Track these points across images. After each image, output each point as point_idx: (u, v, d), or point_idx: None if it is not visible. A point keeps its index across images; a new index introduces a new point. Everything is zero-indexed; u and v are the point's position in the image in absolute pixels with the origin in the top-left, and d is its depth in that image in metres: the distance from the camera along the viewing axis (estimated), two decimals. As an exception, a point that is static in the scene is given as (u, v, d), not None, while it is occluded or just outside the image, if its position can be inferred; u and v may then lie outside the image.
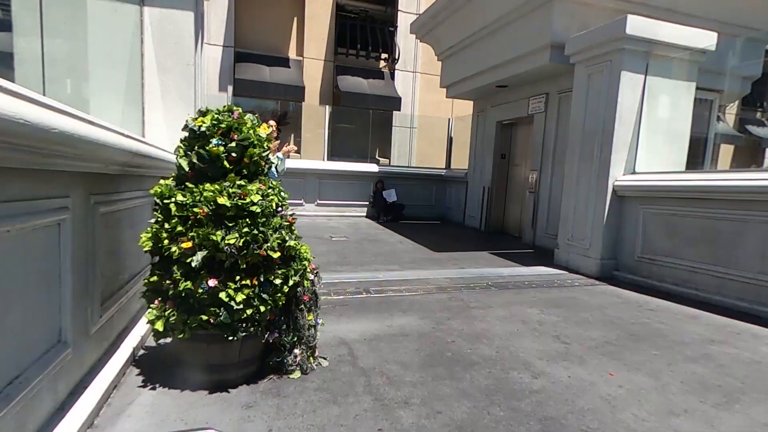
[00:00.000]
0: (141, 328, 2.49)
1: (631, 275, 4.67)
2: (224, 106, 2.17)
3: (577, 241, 5.17)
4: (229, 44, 11.19)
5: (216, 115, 2.10)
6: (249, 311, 1.90)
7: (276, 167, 4.50)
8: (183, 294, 1.86)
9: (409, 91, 12.68)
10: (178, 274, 1.87)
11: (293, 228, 2.19)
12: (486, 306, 3.57)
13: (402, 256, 5.75)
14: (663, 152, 4.91)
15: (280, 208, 2.13)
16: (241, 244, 1.89)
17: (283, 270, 2.03)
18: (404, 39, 12.16)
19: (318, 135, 10.53)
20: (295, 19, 11.96)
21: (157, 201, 1.98)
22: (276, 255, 1.97)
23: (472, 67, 7.59)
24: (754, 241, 3.65)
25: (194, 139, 2.08)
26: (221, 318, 1.85)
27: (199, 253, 1.86)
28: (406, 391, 2.05)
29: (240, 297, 1.87)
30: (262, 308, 1.93)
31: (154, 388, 1.95)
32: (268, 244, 1.95)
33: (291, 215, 2.21)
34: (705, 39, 4.72)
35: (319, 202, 9.50)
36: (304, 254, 2.19)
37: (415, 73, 12.77)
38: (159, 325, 1.88)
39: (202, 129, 2.06)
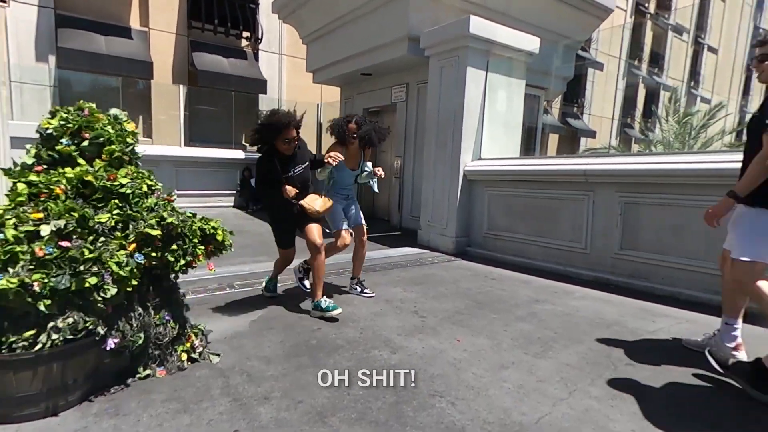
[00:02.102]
0: None
1: (481, 250, 5.29)
2: (76, 105, 2.16)
3: (436, 222, 5.64)
4: (48, 4, 9.26)
5: (64, 115, 2.07)
6: (93, 280, 1.73)
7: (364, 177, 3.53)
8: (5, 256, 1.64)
9: (275, 73, 12.18)
10: (11, 236, 1.67)
11: (174, 206, 2.16)
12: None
13: (272, 246, 5.45)
14: (502, 140, 5.61)
15: (152, 191, 2.14)
16: (113, 223, 1.87)
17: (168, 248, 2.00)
18: (267, 18, 11.57)
19: (173, 117, 9.48)
20: (137, -18, 10.44)
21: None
22: (155, 233, 1.92)
23: (337, 53, 7.59)
24: (567, 215, 4.44)
25: (42, 141, 2.05)
26: (51, 281, 1.63)
27: (53, 222, 1.74)
28: (267, 386, 2.00)
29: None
30: (111, 291, 1.77)
31: (-63, 436, 1.56)
32: (145, 223, 1.93)
33: (170, 194, 2.24)
34: (531, 43, 5.49)
35: (176, 192, 8.56)
36: (198, 225, 2.16)
37: (281, 55, 12.31)
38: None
39: (49, 131, 2.02)
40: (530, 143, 7.42)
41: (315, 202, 3.04)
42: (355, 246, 3.54)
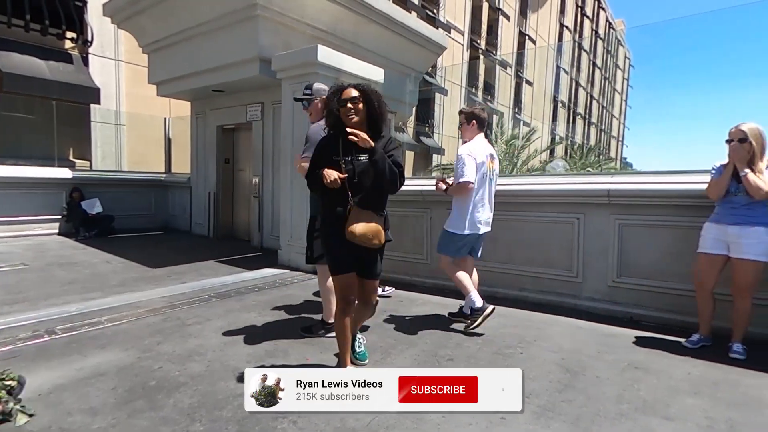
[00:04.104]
0: None
1: (339, 265, 5.52)
2: None
3: (295, 241, 5.70)
4: None
5: None
6: None
7: None
8: None
9: (111, 81, 10.83)
10: None
11: None
12: (204, 320, 3.53)
13: (108, 278, 4.96)
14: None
15: None
16: None
17: None
18: (100, 19, 10.25)
19: (-33, 128, 7.72)
20: None
21: None
22: None
23: (184, 66, 7.16)
24: (409, 230, 4.95)
25: None
26: None
27: None
28: (91, 441, 1.84)
29: None
30: None
31: None
32: None
33: None
34: (376, 73, 6.00)
35: (-26, 220, 6.98)
36: None
37: (118, 62, 11.02)
38: None
39: None
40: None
41: (358, 224, 2.18)
42: None
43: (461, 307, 3.57)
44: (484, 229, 3.39)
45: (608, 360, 2.77)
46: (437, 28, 15.17)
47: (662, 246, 3.51)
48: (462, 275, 3.38)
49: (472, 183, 3.23)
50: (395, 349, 2.89)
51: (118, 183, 8.98)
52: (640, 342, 3.13)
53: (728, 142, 2.86)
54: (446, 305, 4.00)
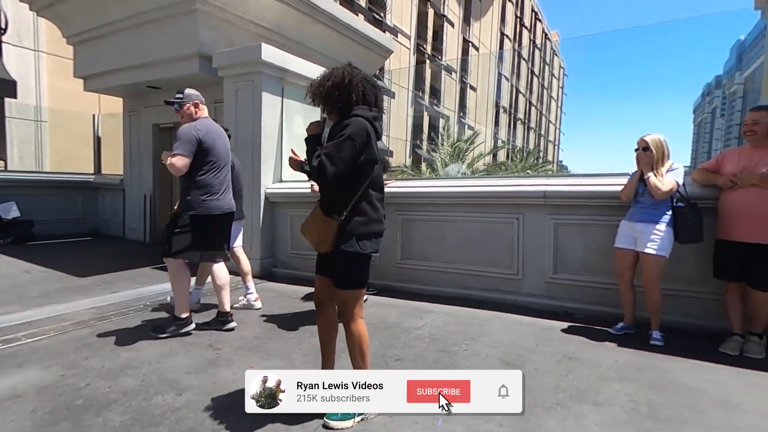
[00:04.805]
0: None
1: (286, 269, 5.41)
2: None
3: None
4: None
5: None
6: None
7: None
8: None
9: (29, 73, 9.89)
10: None
11: None
12: (140, 331, 3.31)
13: (27, 290, 4.52)
14: (302, 163, 5.89)
15: None
16: None
17: None
18: (16, 5, 9.32)
19: None
20: None
21: None
22: None
23: (114, 60, 6.67)
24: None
25: None
26: None
27: None
28: (5, 471, 1.66)
29: None
30: None
31: None
32: None
33: None
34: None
35: None
36: None
37: (39, 53, 10.07)
38: None
39: None
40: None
41: (305, 222, 2.27)
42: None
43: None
44: None
45: (545, 352, 2.93)
46: (384, 32, 15.32)
47: (591, 243, 3.78)
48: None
49: None
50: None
51: (39, 185, 8.20)
52: (573, 333, 3.34)
53: (636, 150, 3.19)
54: (394, 306, 4.04)
